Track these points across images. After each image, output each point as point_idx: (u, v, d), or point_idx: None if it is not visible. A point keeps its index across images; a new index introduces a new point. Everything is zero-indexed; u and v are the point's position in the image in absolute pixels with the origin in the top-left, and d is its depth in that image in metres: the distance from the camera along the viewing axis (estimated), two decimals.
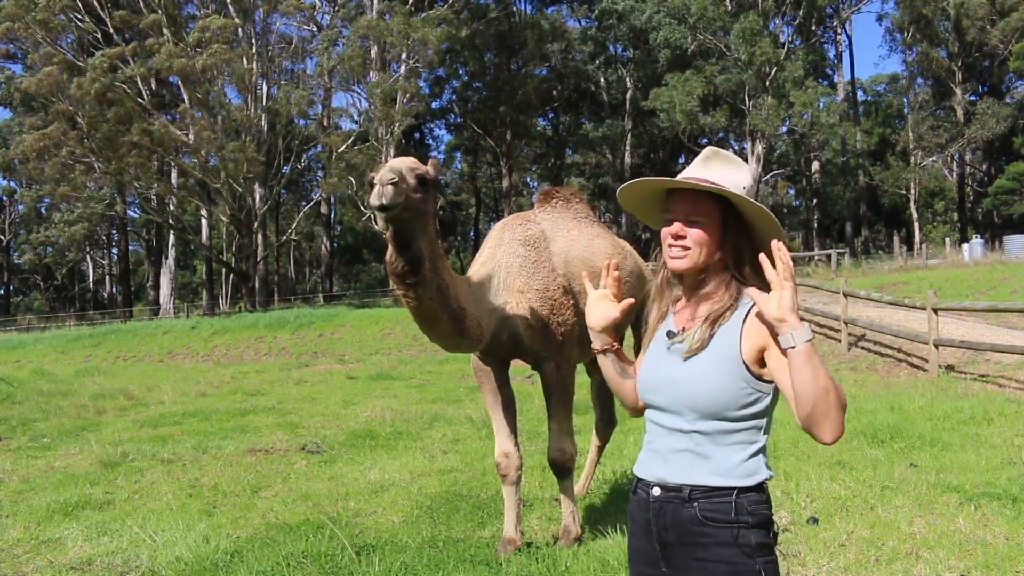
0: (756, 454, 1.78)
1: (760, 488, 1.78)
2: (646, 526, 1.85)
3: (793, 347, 1.63)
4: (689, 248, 1.83)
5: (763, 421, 1.79)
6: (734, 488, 1.76)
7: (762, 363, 1.77)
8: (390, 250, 3.46)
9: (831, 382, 1.63)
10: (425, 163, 3.47)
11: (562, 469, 4.16)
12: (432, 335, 3.74)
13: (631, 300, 1.95)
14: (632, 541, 1.92)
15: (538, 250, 4.11)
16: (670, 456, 1.82)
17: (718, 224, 1.84)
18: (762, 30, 35.83)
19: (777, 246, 1.68)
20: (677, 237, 1.83)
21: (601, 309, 1.95)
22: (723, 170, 1.86)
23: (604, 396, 5.26)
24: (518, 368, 4.46)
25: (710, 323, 1.81)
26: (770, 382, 1.77)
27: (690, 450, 1.80)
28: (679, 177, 1.90)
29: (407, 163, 3.39)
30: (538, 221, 4.35)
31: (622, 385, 2.01)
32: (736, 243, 1.85)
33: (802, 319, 1.65)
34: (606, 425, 5.33)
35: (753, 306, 1.78)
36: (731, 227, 1.85)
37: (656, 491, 1.83)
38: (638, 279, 4.65)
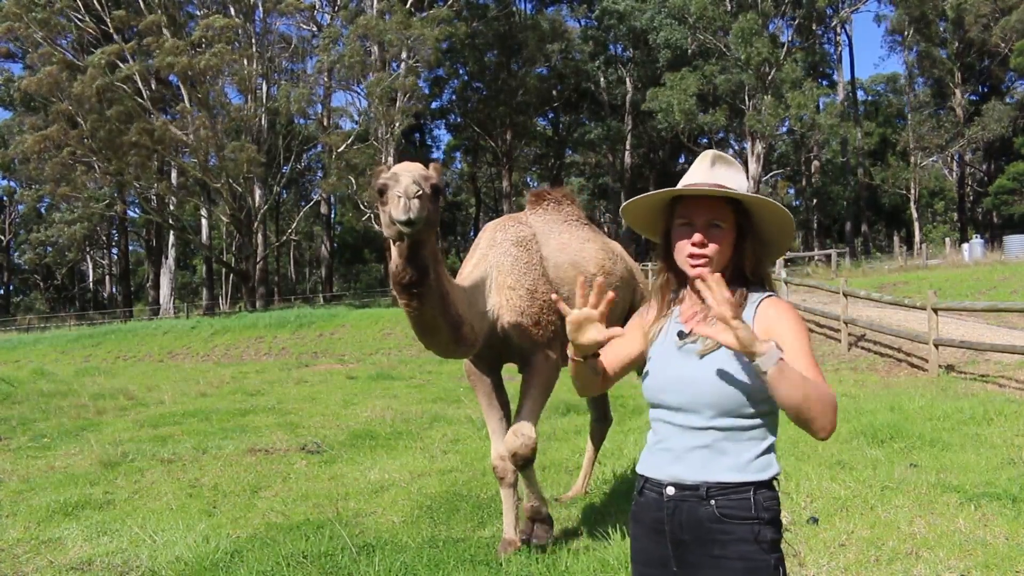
0: (769, 449, 1.81)
1: (772, 484, 1.80)
2: (655, 526, 1.84)
3: (765, 372, 1.64)
4: (711, 256, 1.84)
5: (776, 416, 1.83)
6: (751, 484, 1.77)
7: None
8: (397, 260, 3.36)
9: (809, 389, 1.66)
10: (426, 165, 3.43)
11: (525, 462, 3.91)
12: (430, 343, 3.68)
13: (618, 330, 1.89)
14: (635, 543, 1.91)
15: (529, 251, 4.08)
16: (684, 454, 1.82)
17: (733, 228, 1.88)
18: (760, 30, 35.81)
19: (708, 282, 1.65)
20: (702, 245, 1.84)
21: (590, 332, 1.86)
22: (729, 173, 1.88)
23: (598, 395, 5.25)
24: (515, 368, 4.41)
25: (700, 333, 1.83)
26: None
27: (707, 447, 1.80)
28: (684, 181, 1.91)
29: (419, 170, 3.27)
30: (529, 223, 4.32)
31: (591, 379, 1.99)
32: (747, 245, 1.89)
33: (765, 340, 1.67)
34: (602, 423, 5.32)
35: (761, 302, 1.84)
36: (744, 230, 1.89)
37: (670, 490, 1.83)
38: (627, 284, 4.62)
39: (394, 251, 3.38)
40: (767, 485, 1.79)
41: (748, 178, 1.94)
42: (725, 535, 1.76)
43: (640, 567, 1.89)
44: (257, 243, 35.42)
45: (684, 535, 1.80)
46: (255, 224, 34.65)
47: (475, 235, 4.53)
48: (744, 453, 1.78)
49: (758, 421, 1.79)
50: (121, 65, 30.69)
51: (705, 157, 1.92)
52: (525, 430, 3.90)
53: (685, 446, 1.82)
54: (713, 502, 1.77)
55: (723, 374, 1.79)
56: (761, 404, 1.78)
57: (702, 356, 1.83)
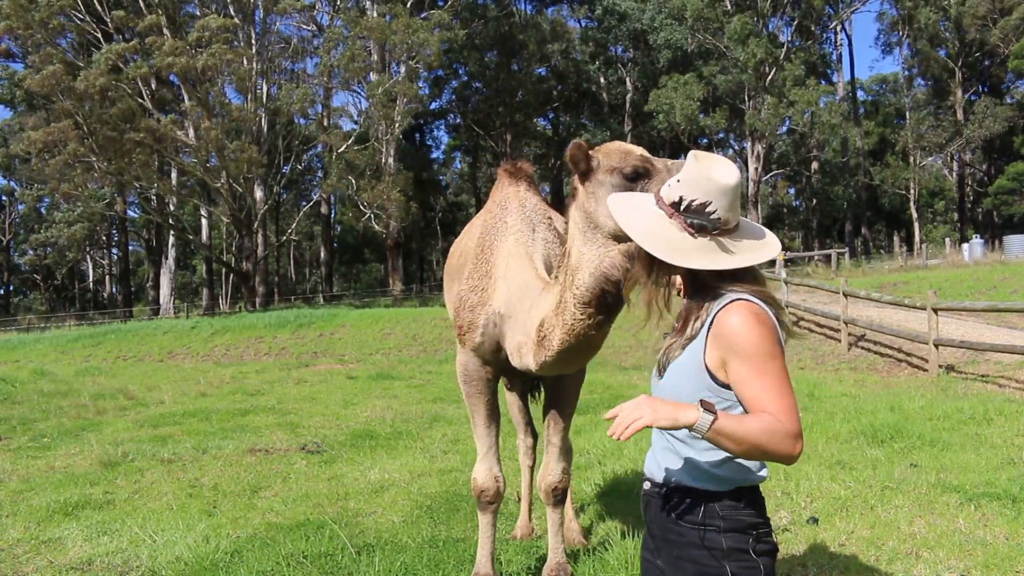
0: (731, 460, 1.78)
1: (737, 494, 1.79)
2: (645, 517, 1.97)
3: (703, 436, 1.65)
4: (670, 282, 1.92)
5: None
6: (705, 491, 1.79)
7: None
8: (626, 265, 2.66)
9: (754, 437, 1.64)
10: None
11: (563, 493, 3.73)
12: (582, 360, 3.17)
13: None
14: (645, 529, 2.03)
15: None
16: (659, 454, 1.89)
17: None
18: (759, 31, 35.89)
19: (609, 418, 1.68)
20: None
21: None
22: (678, 173, 1.85)
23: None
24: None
25: (668, 346, 1.86)
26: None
27: (670, 449, 1.85)
28: None
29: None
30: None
31: None
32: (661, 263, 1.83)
33: (703, 405, 1.65)
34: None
35: (719, 312, 1.76)
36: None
37: (646, 485, 1.92)
38: None
39: (618, 256, 2.67)
40: (729, 495, 1.78)
41: (691, 170, 1.84)
42: (679, 537, 1.81)
43: (643, 552, 1.98)
44: (257, 243, 35.43)
45: (655, 530, 1.88)
46: (255, 224, 34.66)
47: None
48: (700, 460, 1.79)
49: None
50: (123, 67, 30.71)
51: None
52: (565, 463, 3.68)
53: (660, 446, 1.89)
54: (671, 503, 1.83)
55: (671, 383, 1.82)
56: None
57: (661, 369, 1.86)
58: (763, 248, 1.83)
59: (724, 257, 1.78)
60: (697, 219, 1.78)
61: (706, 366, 1.76)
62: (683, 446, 1.81)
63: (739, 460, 1.78)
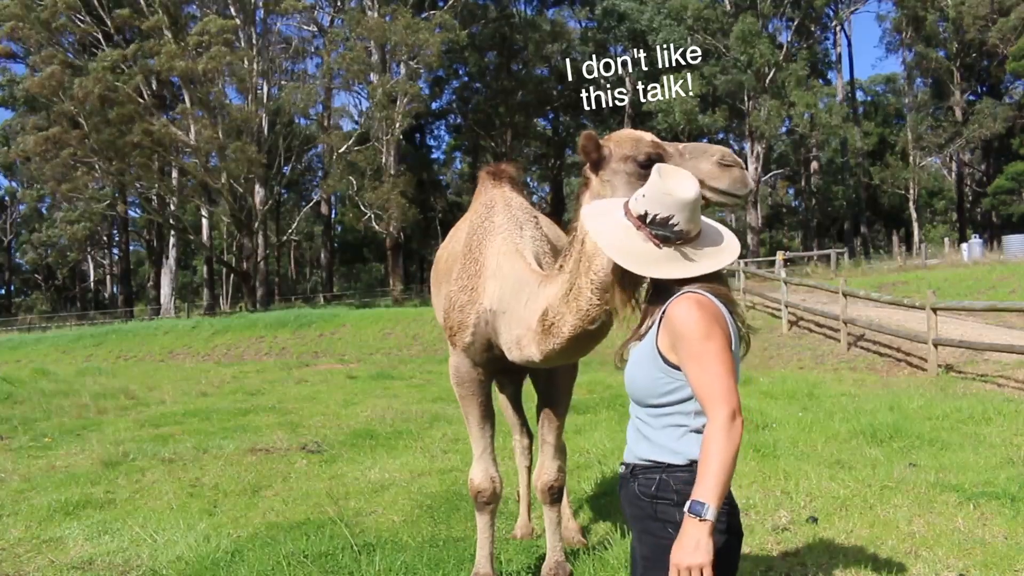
0: (689, 434, 1.91)
1: (691, 468, 1.87)
2: None
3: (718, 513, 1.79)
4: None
5: (690, 405, 1.91)
6: (662, 464, 1.91)
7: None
8: None
9: (719, 467, 1.78)
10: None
11: (559, 492, 3.75)
12: (592, 346, 3.12)
13: None
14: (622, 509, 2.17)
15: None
16: (630, 436, 2.03)
17: None
18: (760, 32, 35.91)
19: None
20: None
21: None
22: (643, 188, 2.03)
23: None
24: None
25: (629, 339, 2.08)
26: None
27: (636, 430, 2.00)
28: None
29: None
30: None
31: None
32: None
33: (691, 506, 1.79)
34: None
35: (671, 301, 1.93)
36: None
37: (621, 468, 2.06)
38: None
39: None
40: (682, 469, 1.89)
41: (652, 187, 1.99)
42: (639, 511, 1.94)
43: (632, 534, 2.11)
44: (257, 243, 35.44)
45: (626, 509, 2.01)
46: (256, 224, 34.67)
47: None
48: (660, 437, 1.93)
49: (669, 411, 1.92)
50: (124, 68, 30.73)
51: None
52: (561, 461, 3.72)
53: (631, 430, 2.04)
54: (636, 480, 1.95)
55: (633, 367, 1.99)
56: (666, 396, 1.92)
57: (629, 352, 2.08)
58: (721, 254, 2.00)
59: (687, 265, 1.96)
60: (662, 231, 1.96)
61: (658, 349, 1.92)
62: (646, 427, 1.96)
63: (696, 433, 1.90)
